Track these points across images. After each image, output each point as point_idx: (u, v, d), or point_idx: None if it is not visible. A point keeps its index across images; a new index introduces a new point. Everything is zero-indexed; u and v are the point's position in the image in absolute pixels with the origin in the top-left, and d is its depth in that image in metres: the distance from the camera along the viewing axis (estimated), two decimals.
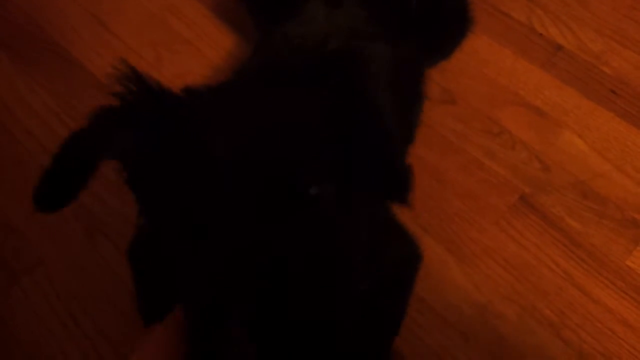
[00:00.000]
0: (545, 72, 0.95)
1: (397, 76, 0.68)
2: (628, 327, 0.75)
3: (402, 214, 0.74)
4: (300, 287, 0.39)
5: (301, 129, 0.42)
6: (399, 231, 0.70)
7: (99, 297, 0.77)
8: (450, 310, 0.76)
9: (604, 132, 0.89)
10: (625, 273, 0.78)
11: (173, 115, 0.44)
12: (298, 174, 0.41)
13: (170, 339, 0.56)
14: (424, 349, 0.73)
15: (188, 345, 0.54)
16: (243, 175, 0.39)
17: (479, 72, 0.95)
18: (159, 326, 0.56)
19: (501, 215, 0.83)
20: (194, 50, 1.01)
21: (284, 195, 0.40)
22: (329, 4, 0.74)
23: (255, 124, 0.42)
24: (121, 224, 0.82)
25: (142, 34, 1.03)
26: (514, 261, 0.80)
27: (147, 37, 1.02)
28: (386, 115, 0.47)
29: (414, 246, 0.71)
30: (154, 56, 1.00)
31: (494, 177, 0.86)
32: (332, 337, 0.41)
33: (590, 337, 0.74)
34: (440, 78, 0.94)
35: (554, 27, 0.99)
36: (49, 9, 1.07)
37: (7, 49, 1.03)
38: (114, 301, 0.77)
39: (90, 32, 1.04)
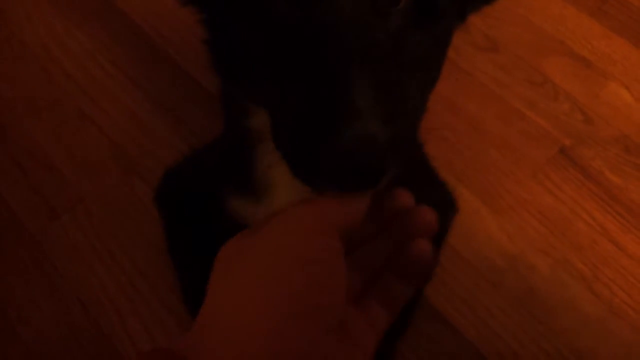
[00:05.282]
0: (595, 20, 0.90)
1: None
2: None
3: (436, 163, 0.74)
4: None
5: None
6: (435, 180, 0.69)
7: (135, 235, 0.79)
8: (482, 260, 0.76)
9: None
10: None
11: None
12: None
13: None
14: (451, 295, 0.73)
15: None
16: None
17: (524, 19, 0.91)
18: None
19: (539, 167, 0.81)
20: None
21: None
22: None
23: None
24: (155, 165, 0.83)
25: None
26: (550, 214, 0.78)
27: None
28: None
29: (450, 196, 0.70)
30: None
31: (534, 128, 0.83)
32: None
33: (622, 291, 0.73)
34: (483, 24, 0.91)
35: None
36: None
37: None
38: (149, 239, 0.79)
39: None
